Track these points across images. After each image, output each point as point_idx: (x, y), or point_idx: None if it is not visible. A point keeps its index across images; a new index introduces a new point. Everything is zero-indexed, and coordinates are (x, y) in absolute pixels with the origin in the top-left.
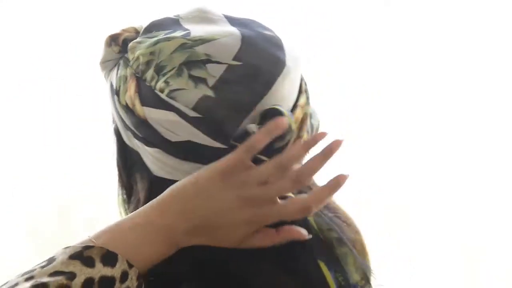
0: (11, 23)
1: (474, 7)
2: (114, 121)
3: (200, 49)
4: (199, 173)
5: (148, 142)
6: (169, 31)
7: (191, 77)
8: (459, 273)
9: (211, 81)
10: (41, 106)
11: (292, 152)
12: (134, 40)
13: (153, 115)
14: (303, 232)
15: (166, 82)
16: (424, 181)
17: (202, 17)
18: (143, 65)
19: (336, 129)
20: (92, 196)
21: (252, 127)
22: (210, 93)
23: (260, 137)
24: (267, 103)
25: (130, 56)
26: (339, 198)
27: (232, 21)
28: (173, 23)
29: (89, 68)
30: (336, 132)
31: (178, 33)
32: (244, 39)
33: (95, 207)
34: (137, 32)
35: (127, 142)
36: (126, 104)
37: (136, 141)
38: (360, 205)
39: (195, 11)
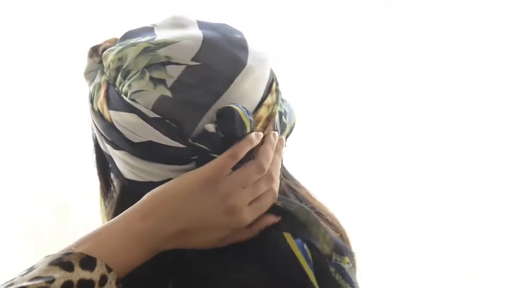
0: (11, 23)
1: (474, 7)
2: (92, 129)
3: (161, 52)
4: (183, 178)
5: (115, 145)
6: (139, 37)
7: (151, 79)
8: (459, 278)
9: (169, 82)
10: (41, 106)
11: (268, 152)
12: (108, 49)
13: (117, 117)
14: (273, 217)
15: (129, 85)
16: (425, 184)
17: (174, 23)
18: (113, 71)
19: (335, 127)
20: (91, 197)
21: (210, 126)
22: (168, 93)
23: (243, 146)
24: (225, 101)
25: (104, 63)
26: (341, 201)
27: (202, 25)
28: (147, 30)
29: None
30: (336, 130)
31: (144, 39)
32: (205, 41)
33: (94, 207)
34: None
35: (102, 148)
36: (98, 110)
37: (107, 145)
38: (360, 206)
39: (169, 18)
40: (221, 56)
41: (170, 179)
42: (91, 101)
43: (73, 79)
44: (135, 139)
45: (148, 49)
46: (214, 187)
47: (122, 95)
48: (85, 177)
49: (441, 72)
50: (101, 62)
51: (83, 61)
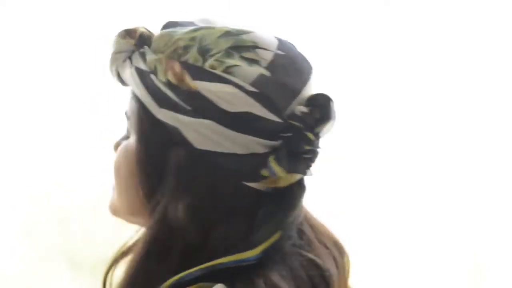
0: (12, 23)
1: (474, 7)
2: (136, 107)
3: (246, 37)
4: None
5: (197, 114)
6: (195, 26)
7: (242, 57)
8: (460, 278)
9: (264, 63)
10: (41, 106)
11: None
12: (162, 32)
13: (209, 87)
14: None
15: (217, 60)
16: (426, 185)
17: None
18: (180, 49)
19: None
20: (92, 208)
21: (303, 108)
22: (266, 72)
23: None
24: (310, 89)
25: (157, 44)
26: (341, 201)
27: None
28: (190, 24)
29: (105, 82)
30: (338, 126)
31: (217, 24)
32: (278, 37)
33: (94, 207)
34: (149, 31)
35: (163, 119)
36: (169, 81)
37: (179, 115)
38: (360, 207)
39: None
40: (297, 54)
41: (255, 153)
42: (154, 73)
43: (74, 79)
44: (230, 108)
45: (230, 33)
46: None
47: (207, 69)
48: (86, 177)
49: (442, 73)
50: (135, 44)
51: (85, 61)
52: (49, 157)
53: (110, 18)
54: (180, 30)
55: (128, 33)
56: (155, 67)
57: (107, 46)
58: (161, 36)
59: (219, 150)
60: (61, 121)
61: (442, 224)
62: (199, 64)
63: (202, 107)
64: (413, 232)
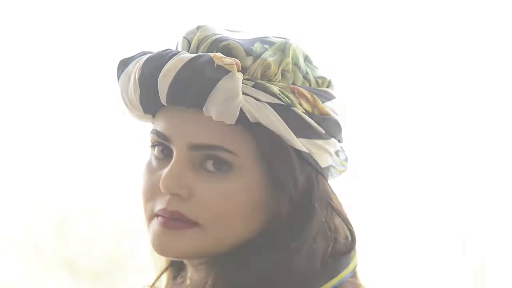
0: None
1: (474, 7)
2: (257, 141)
3: (295, 45)
4: None
5: (328, 135)
6: (263, 44)
7: (315, 67)
8: (465, 280)
9: None
10: (42, 114)
11: None
12: (264, 58)
13: (331, 106)
14: None
15: (319, 78)
16: (430, 185)
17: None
18: (288, 73)
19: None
20: (90, 212)
21: None
22: None
23: None
24: None
25: (256, 69)
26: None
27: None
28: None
29: (105, 82)
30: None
31: (278, 39)
32: None
33: (93, 223)
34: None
35: (300, 147)
36: (306, 110)
37: (315, 140)
38: (363, 206)
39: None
40: None
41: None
42: (293, 105)
43: (74, 79)
44: (342, 120)
45: (287, 44)
46: None
47: (324, 88)
48: (85, 192)
49: (442, 73)
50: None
51: (85, 62)
52: (50, 167)
53: (110, 18)
54: (274, 53)
55: (237, 67)
56: (289, 98)
57: (106, 47)
58: (268, 64)
59: (332, 163)
60: (61, 121)
61: (444, 225)
62: (315, 85)
63: (331, 127)
64: (416, 232)
